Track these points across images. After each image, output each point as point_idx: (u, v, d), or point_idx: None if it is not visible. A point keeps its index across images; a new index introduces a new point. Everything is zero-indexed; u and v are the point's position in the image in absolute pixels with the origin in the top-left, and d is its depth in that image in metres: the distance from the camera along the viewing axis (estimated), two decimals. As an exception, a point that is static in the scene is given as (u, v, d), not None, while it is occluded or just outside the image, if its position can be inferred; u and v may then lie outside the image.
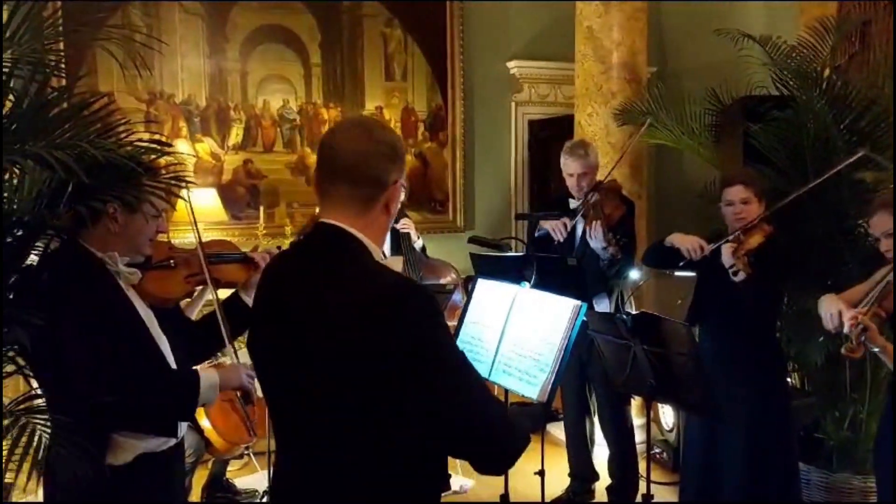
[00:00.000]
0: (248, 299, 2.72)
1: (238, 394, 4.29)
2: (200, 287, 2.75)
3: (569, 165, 4.29)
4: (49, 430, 2.01)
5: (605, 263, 4.12)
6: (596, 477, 4.60)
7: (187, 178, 2.37)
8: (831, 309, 2.86)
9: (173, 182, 2.26)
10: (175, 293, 2.54)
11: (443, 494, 1.76)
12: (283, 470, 1.78)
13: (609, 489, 4.43)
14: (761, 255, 3.27)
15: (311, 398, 1.62)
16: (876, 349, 2.75)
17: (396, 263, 1.78)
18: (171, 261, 2.56)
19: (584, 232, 4.20)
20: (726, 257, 3.27)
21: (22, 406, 2.07)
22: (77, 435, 1.95)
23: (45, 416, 2.03)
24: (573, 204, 4.29)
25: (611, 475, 4.43)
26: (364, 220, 1.66)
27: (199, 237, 2.72)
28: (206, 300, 2.85)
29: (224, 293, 2.78)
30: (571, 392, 4.50)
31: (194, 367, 2.38)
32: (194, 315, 2.82)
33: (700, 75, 5.54)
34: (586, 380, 4.40)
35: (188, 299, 2.87)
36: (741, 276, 3.20)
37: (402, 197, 1.76)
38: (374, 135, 1.67)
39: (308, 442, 1.67)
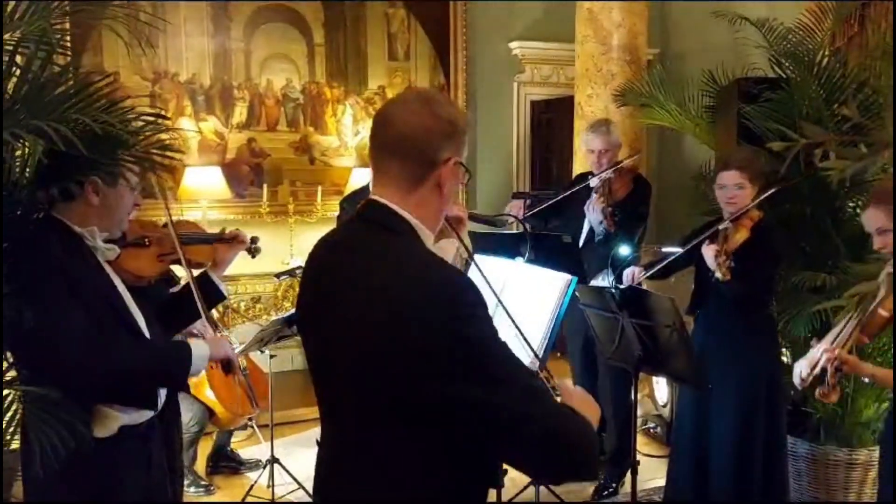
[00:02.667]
0: (217, 278, 2.78)
1: (241, 366, 4.41)
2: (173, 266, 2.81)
3: (591, 142, 4.38)
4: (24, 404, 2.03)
5: (600, 238, 4.22)
6: (603, 451, 4.67)
7: (170, 150, 2.31)
8: (799, 365, 2.80)
9: (154, 153, 2.24)
10: (148, 271, 2.57)
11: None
12: (325, 450, 1.71)
13: (604, 461, 4.54)
14: (746, 252, 3.34)
15: (352, 382, 1.55)
16: (865, 379, 2.70)
17: (450, 246, 1.67)
18: (146, 239, 2.60)
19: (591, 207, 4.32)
20: (708, 260, 3.35)
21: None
22: (61, 407, 1.97)
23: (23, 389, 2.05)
24: (593, 182, 4.39)
25: (607, 448, 4.52)
26: (414, 199, 1.57)
27: (171, 216, 2.75)
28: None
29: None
30: (580, 367, 4.59)
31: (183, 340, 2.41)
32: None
33: (703, 57, 5.58)
34: (594, 355, 4.47)
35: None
36: (722, 279, 3.28)
37: (464, 179, 1.63)
38: (433, 108, 1.56)
39: (347, 426, 1.61)
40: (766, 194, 3.43)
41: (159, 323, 2.46)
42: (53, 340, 2.04)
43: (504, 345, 1.49)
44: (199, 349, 2.36)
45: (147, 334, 2.30)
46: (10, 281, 1.99)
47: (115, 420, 2.20)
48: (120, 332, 2.21)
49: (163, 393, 2.39)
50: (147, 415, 2.31)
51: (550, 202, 4.38)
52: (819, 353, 2.69)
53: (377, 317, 1.46)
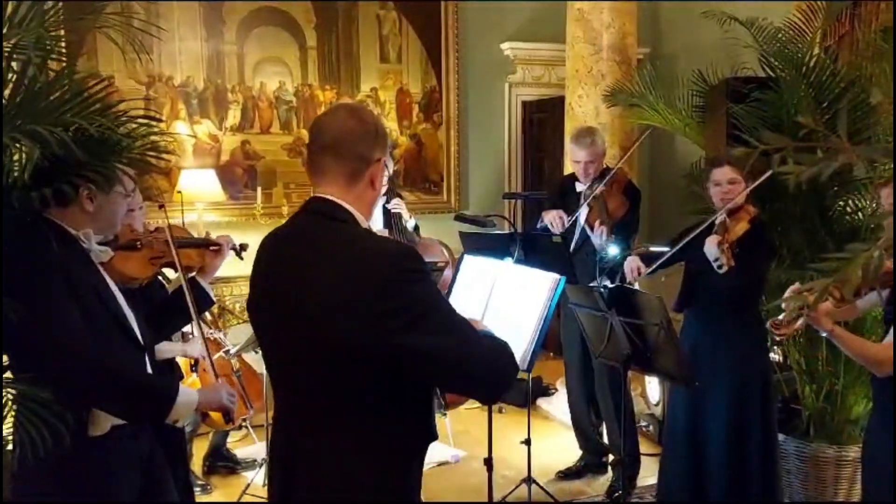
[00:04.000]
0: (205, 283, 2.84)
1: (235, 367, 4.44)
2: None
3: (575, 153, 4.39)
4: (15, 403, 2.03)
5: (601, 258, 4.23)
6: (608, 450, 4.69)
7: (164, 152, 2.36)
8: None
9: (149, 155, 2.28)
10: (140, 273, 2.62)
11: (436, 464, 1.90)
12: (280, 433, 1.90)
13: (613, 464, 4.57)
14: (745, 245, 3.35)
15: (306, 357, 1.74)
16: (823, 333, 2.64)
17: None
18: (137, 242, 2.65)
19: (585, 219, 4.31)
20: (711, 249, 3.35)
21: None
22: (50, 407, 1.96)
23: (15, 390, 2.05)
24: (580, 187, 4.41)
25: (613, 450, 4.54)
26: (352, 193, 1.80)
27: (168, 221, 2.80)
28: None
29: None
30: (574, 368, 4.61)
31: (178, 383, 2.38)
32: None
33: (693, 56, 5.62)
34: (588, 355, 4.49)
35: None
36: (725, 268, 3.30)
37: (386, 177, 1.89)
38: (358, 115, 1.83)
39: (305, 402, 1.80)
40: (761, 179, 3.40)
41: (151, 325, 2.48)
42: (50, 338, 2.06)
43: (445, 300, 1.81)
44: (187, 396, 2.28)
45: (138, 335, 2.33)
46: (8, 281, 2.00)
47: (107, 419, 2.21)
48: (114, 335, 2.23)
49: None
50: None
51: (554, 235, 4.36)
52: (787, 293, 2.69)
53: (334, 287, 1.67)
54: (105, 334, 2.18)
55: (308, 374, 1.76)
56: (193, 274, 2.85)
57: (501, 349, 1.87)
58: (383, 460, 1.77)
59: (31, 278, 2.06)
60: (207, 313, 3.91)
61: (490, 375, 1.82)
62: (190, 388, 2.38)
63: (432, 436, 1.90)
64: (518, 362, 2.69)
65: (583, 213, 4.32)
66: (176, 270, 2.78)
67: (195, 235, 3.08)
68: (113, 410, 2.21)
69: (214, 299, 2.84)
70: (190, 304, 2.69)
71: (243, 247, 3.07)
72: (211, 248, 2.89)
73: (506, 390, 1.90)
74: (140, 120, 2.31)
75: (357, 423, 1.74)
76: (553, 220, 4.28)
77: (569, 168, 5.42)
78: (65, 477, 2.15)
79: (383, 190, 1.91)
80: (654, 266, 3.57)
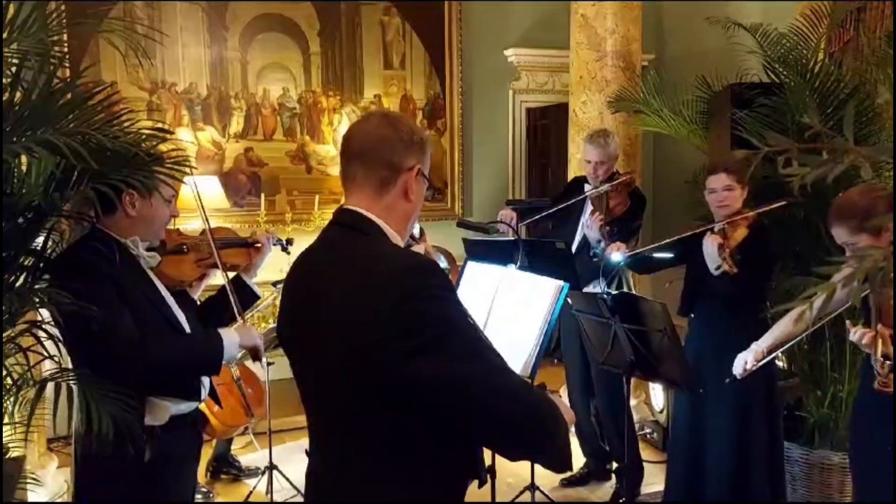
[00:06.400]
0: (250, 280, 2.97)
1: (235, 375, 4.44)
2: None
3: (588, 153, 4.39)
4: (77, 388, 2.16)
5: (594, 253, 4.22)
6: (611, 457, 4.66)
7: (190, 164, 2.50)
8: (739, 359, 3.02)
9: (177, 167, 2.38)
10: (188, 276, 2.75)
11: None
12: (314, 457, 1.77)
13: (616, 471, 4.55)
14: (745, 250, 3.36)
15: (332, 379, 1.61)
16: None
17: (418, 250, 1.88)
18: (184, 246, 2.78)
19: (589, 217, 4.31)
20: (710, 252, 3.35)
21: (54, 372, 2.23)
22: (113, 397, 2.12)
23: (76, 380, 2.19)
24: (587, 188, 4.41)
25: (615, 458, 4.52)
26: (381, 204, 1.67)
27: (209, 223, 2.90)
28: (207, 285, 3.06)
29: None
30: (575, 373, 4.58)
31: (220, 338, 2.56)
32: (197, 296, 2.98)
33: (697, 62, 5.60)
34: (588, 361, 4.47)
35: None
36: (726, 269, 3.28)
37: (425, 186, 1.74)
38: (391, 121, 1.70)
39: (335, 426, 1.67)
40: (758, 210, 3.45)
41: (197, 326, 2.63)
42: (104, 342, 2.22)
43: (472, 325, 1.59)
44: (230, 336, 2.52)
45: (189, 332, 2.50)
46: (72, 292, 2.12)
47: (166, 410, 2.37)
48: (166, 333, 2.41)
49: (206, 383, 2.58)
50: (193, 405, 2.50)
51: (548, 212, 4.37)
52: (855, 335, 2.58)
53: (349, 304, 1.55)
54: (154, 331, 2.34)
55: (332, 395, 1.64)
56: (238, 273, 2.99)
57: (547, 397, 1.59)
58: (410, 493, 1.60)
59: (85, 289, 2.17)
60: None
61: (525, 419, 1.51)
62: (229, 330, 2.57)
63: (473, 472, 1.70)
64: (521, 369, 2.70)
65: (587, 212, 4.32)
66: (224, 270, 2.92)
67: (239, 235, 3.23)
68: (180, 384, 2.42)
69: (260, 294, 2.99)
70: (233, 302, 2.84)
71: (289, 241, 3.20)
72: (255, 245, 3.03)
73: (548, 449, 1.58)
74: (153, 132, 2.42)
75: (383, 451, 1.59)
76: (505, 215, 4.30)
77: (572, 174, 5.42)
78: (126, 466, 2.26)
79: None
80: (639, 251, 3.68)
